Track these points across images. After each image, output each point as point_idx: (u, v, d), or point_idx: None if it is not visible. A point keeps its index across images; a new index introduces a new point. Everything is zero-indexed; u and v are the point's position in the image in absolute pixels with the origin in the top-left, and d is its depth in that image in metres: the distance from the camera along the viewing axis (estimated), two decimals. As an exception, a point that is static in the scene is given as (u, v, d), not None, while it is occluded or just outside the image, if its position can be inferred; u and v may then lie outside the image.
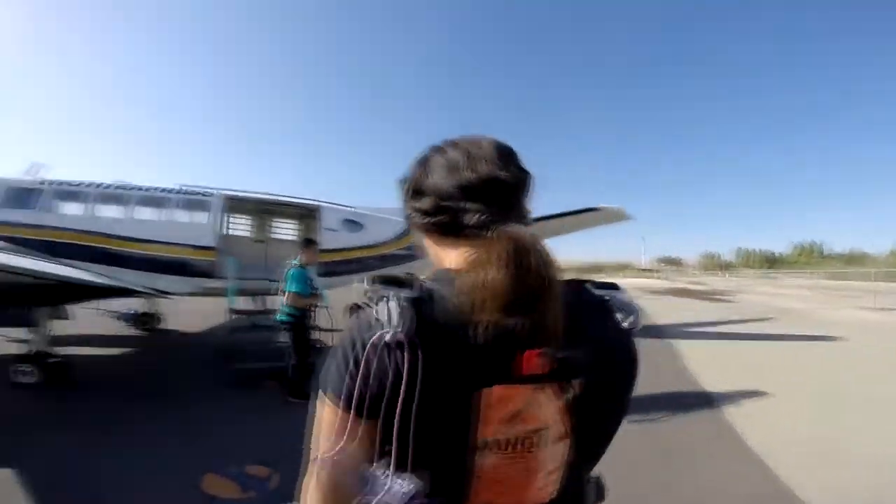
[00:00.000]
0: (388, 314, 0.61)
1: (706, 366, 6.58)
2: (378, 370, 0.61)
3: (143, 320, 8.55)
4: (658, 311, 14.59)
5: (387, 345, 0.60)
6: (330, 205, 8.07)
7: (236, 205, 7.70)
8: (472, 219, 0.69)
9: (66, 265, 6.02)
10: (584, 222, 9.40)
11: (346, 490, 0.61)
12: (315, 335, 5.73)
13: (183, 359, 6.54)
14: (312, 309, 5.08)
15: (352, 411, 0.62)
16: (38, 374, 4.85)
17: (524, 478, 0.65)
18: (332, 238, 7.56)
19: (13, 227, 6.19)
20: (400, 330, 0.60)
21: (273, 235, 9.09)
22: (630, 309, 0.73)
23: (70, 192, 6.62)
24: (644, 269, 77.19)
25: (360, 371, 0.61)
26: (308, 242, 5.08)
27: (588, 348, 0.67)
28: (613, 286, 0.76)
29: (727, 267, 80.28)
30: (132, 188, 6.85)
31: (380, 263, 7.90)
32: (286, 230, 9.19)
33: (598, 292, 0.75)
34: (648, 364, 7.74)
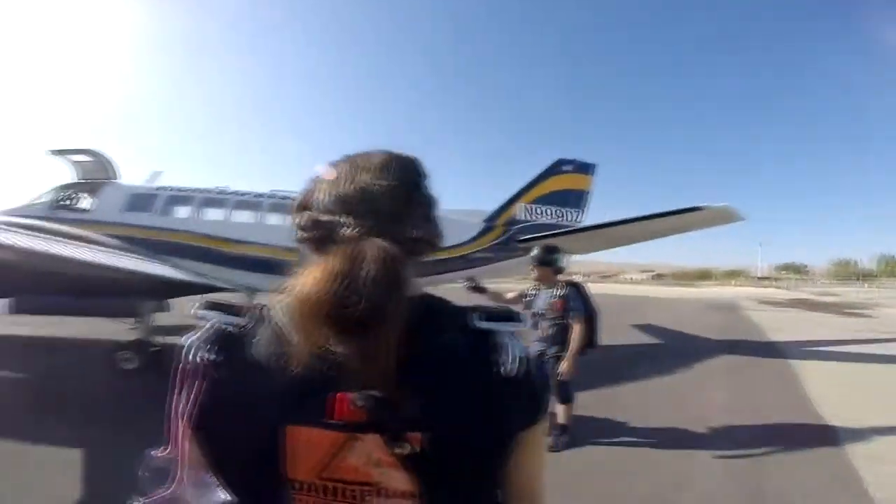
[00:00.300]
0: (199, 339, 0.62)
1: (831, 393, 5.51)
2: (186, 390, 0.61)
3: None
4: (775, 325, 12.71)
5: (190, 369, 0.61)
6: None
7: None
8: (343, 233, 0.61)
9: (173, 263, 6.85)
10: (686, 223, 8.47)
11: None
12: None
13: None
14: None
15: (182, 420, 0.62)
16: (139, 361, 5.42)
17: None
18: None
19: (133, 228, 7.15)
20: (200, 356, 0.61)
21: None
22: (516, 352, 0.60)
23: (179, 197, 7.50)
24: (761, 278, 68.52)
25: (177, 387, 0.62)
26: None
27: (435, 396, 0.56)
28: (513, 317, 0.65)
29: (865, 276, 68.20)
30: (231, 193, 7.58)
31: (447, 267, 7.84)
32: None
33: (482, 324, 0.62)
34: (759, 387, 6.54)
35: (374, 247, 0.55)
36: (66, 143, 7.44)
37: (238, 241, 7.11)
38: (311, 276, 0.54)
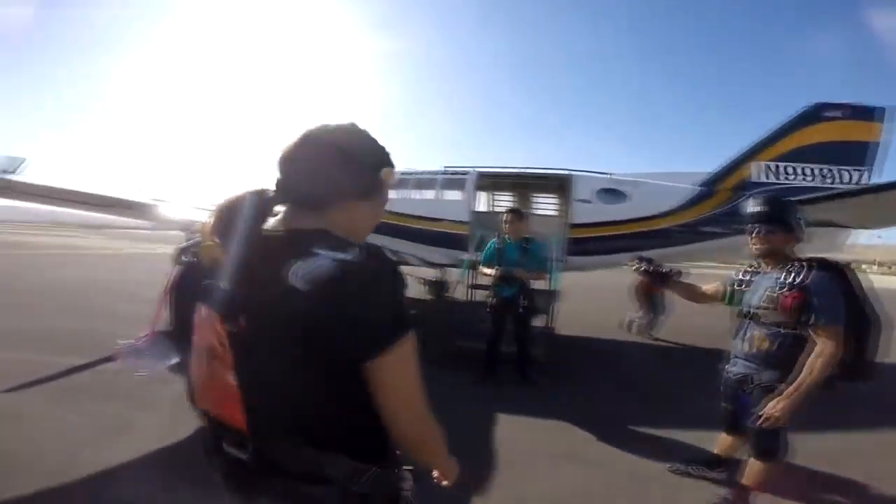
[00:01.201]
0: (180, 253, 1.43)
1: None
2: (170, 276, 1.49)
3: (436, 287, 9.91)
4: None
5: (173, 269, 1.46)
6: (585, 174, 7.14)
7: (488, 181, 7.88)
8: None
9: (378, 240, 7.62)
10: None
11: None
12: (540, 320, 5.12)
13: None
14: (526, 283, 4.49)
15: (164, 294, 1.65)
16: None
17: (198, 376, 0.86)
18: (585, 211, 6.66)
19: None
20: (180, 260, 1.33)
21: (531, 210, 8.92)
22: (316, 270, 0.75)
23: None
24: None
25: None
26: (511, 213, 4.67)
27: (257, 295, 0.76)
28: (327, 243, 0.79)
29: None
30: (412, 172, 7.97)
31: (660, 240, 6.45)
32: (542, 204, 8.87)
33: (318, 253, 0.76)
34: None
35: (253, 197, 0.85)
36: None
37: (420, 218, 7.43)
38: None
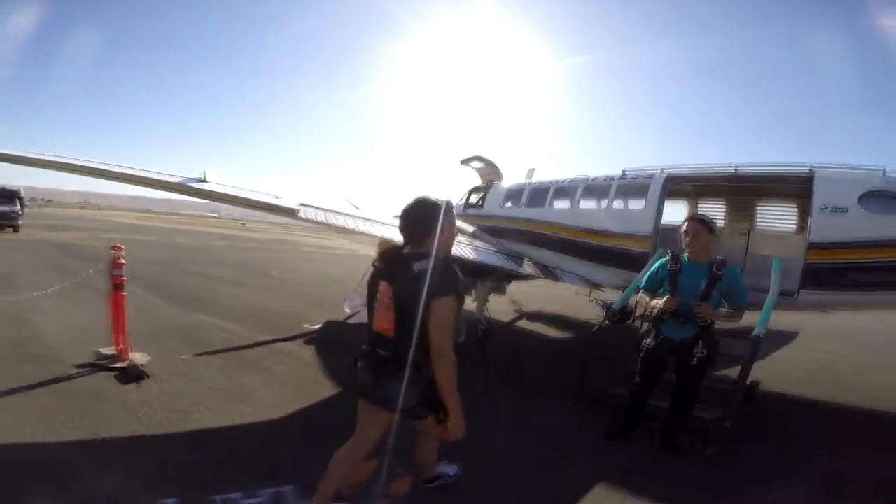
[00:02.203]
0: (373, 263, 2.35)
1: None
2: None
3: (611, 313, 8.40)
4: None
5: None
6: (838, 170, 4.83)
7: (684, 186, 6.13)
8: None
9: (521, 249, 6.95)
10: None
11: None
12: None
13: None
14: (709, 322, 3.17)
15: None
16: (465, 335, 5.47)
17: (377, 313, 2.05)
18: (836, 224, 4.44)
19: (503, 220, 7.89)
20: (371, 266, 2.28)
21: (758, 224, 6.66)
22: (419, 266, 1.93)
23: (538, 190, 7.57)
24: None
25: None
26: (695, 222, 3.34)
27: (401, 275, 1.95)
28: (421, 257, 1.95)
29: None
30: (583, 179, 6.92)
31: None
32: (767, 216, 6.51)
33: (417, 262, 1.93)
34: None
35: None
36: (471, 152, 8.90)
37: (587, 231, 6.36)
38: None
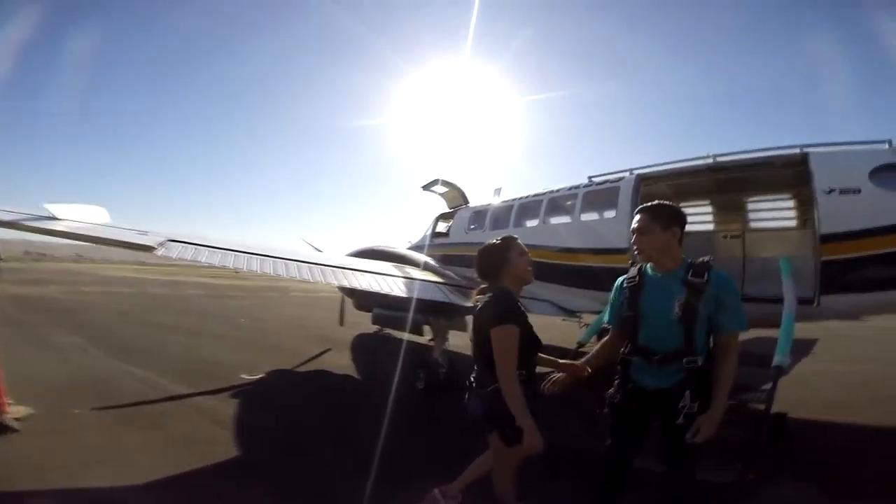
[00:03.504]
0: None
1: None
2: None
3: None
4: None
5: None
6: (838, 148, 3.98)
7: (658, 187, 5.23)
8: None
9: None
10: None
11: None
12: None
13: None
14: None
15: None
16: (425, 377, 5.13)
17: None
18: (849, 210, 3.54)
19: (468, 247, 7.00)
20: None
21: (751, 223, 5.77)
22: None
23: (500, 210, 6.74)
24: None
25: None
26: (646, 214, 2.23)
27: (477, 311, 2.25)
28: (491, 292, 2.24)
29: None
30: (546, 193, 6.08)
31: None
32: (770, 211, 5.63)
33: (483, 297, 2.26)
34: None
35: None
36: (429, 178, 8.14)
37: (554, 250, 5.45)
38: None
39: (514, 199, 6.60)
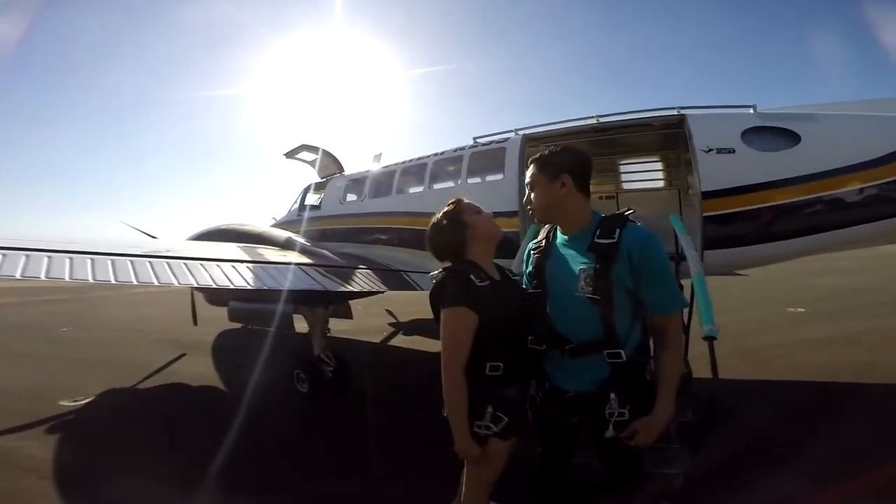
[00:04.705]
0: None
1: None
2: None
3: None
4: None
5: None
6: (712, 110, 4.12)
7: (542, 146, 5.08)
8: None
9: (384, 254, 5.31)
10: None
11: None
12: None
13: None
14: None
15: None
16: (309, 385, 4.48)
17: None
18: (724, 167, 3.64)
19: (344, 219, 6.15)
20: None
21: (623, 184, 5.94)
22: None
23: (382, 176, 5.96)
24: None
25: None
26: (540, 164, 1.72)
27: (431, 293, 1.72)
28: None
29: None
30: (432, 155, 5.47)
31: (872, 208, 3.30)
32: (646, 170, 5.81)
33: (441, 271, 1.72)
34: None
35: None
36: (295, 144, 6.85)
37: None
38: None
39: (396, 165, 5.86)
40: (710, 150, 3.65)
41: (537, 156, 1.71)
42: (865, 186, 3.36)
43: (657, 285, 1.54)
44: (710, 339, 2.30)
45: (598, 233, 1.56)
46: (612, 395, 1.53)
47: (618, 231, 1.54)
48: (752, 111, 3.92)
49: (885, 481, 2.57)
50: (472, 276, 1.62)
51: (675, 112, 4.12)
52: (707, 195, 3.61)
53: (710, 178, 3.62)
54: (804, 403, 3.78)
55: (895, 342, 5.70)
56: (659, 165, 5.70)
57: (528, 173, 1.72)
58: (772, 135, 3.64)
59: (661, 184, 5.73)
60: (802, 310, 8.28)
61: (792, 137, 3.61)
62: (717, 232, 3.62)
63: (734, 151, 3.59)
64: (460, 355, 1.57)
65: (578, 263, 1.57)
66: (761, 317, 7.80)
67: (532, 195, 1.70)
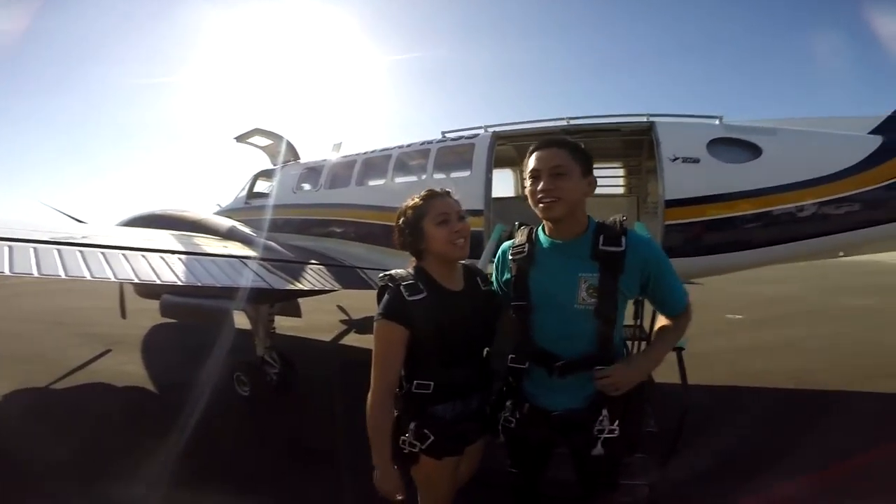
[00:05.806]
0: None
1: None
2: None
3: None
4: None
5: None
6: (680, 119, 4.16)
7: (513, 147, 5.00)
8: None
9: (338, 248, 4.98)
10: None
11: None
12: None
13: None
14: None
15: None
16: (251, 388, 4.23)
17: None
18: (688, 177, 3.66)
19: (298, 209, 5.78)
20: None
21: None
22: None
23: (342, 166, 5.62)
24: None
25: None
26: (540, 150, 1.47)
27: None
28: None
29: None
30: (397, 148, 5.21)
31: (828, 222, 3.42)
32: (606, 176, 5.84)
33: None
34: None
35: None
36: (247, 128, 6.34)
37: (396, 210, 4.65)
38: None
39: (357, 154, 5.54)
40: (676, 158, 3.66)
41: (565, 140, 1.46)
42: (821, 201, 3.48)
43: (672, 288, 1.49)
44: (678, 349, 2.23)
45: (601, 239, 1.41)
46: (605, 412, 1.41)
47: (622, 239, 1.40)
48: (718, 122, 3.98)
49: (828, 486, 2.65)
50: (402, 288, 1.44)
51: (644, 119, 4.13)
52: (670, 203, 3.62)
53: (673, 187, 3.62)
54: (757, 410, 3.90)
55: (829, 350, 6.08)
56: (620, 172, 5.77)
57: (555, 155, 1.41)
58: (736, 146, 3.70)
59: (620, 190, 5.79)
60: (740, 317, 8.74)
61: (754, 150, 3.69)
62: (678, 241, 3.63)
63: (699, 161, 3.62)
64: (386, 372, 1.43)
65: (577, 272, 1.40)
66: (703, 322, 8.14)
67: (561, 183, 1.39)
